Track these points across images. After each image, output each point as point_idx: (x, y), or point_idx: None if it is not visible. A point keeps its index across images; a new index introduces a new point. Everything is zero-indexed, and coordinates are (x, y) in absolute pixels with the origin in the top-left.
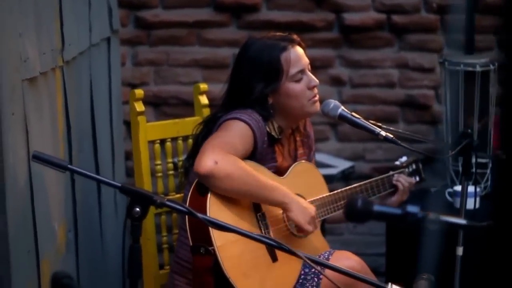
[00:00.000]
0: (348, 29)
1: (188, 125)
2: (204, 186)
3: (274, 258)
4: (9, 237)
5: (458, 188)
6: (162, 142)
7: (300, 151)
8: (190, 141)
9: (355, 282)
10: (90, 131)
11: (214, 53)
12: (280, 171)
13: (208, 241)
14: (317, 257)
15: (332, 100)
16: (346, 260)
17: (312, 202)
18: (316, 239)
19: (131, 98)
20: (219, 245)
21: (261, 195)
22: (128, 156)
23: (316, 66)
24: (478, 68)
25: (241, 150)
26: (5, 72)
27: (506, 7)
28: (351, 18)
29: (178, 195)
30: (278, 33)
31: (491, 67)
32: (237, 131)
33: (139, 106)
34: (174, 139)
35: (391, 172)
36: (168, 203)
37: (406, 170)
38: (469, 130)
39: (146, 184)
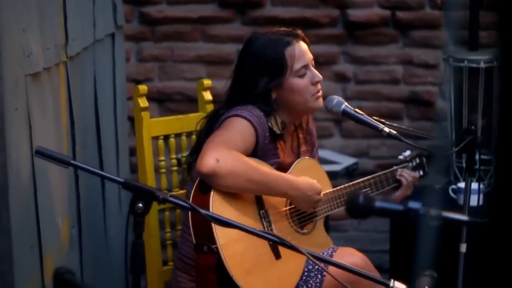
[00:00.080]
0: (352, 25)
1: (191, 121)
2: (206, 184)
3: (278, 256)
4: (12, 233)
5: (462, 185)
6: (166, 138)
7: (303, 148)
8: (194, 137)
9: (359, 278)
10: (94, 127)
11: (218, 49)
12: (282, 168)
13: (211, 239)
14: (321, 253)
15: (336, 96)
16: (350, 256)
17: None
18: (320, 236)
19: (135, 93)
20: (222, 243)
21: (265, 189)
22: (133, 152)
23: (321, 62)
24: (482, 65)
25: (242, 148)
26: (8, 67)
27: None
28: (355, 14)
29: (181, 191)
30: (282, 28)
31: (495, 63)
32: (238, 129)
33: (143, 102)
34: (177, 135)
35: (394, 167)
36: (170, 198)
37: (410, 164)
38: (473, 127)
39: (149, 180)
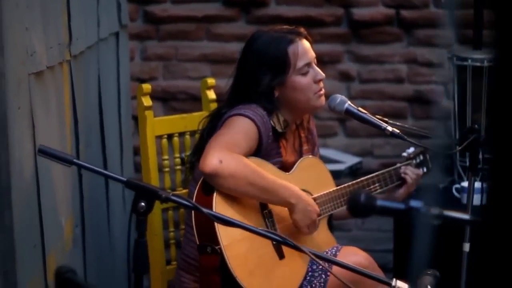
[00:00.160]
0: (356, 24)
1: (195, 120)
2: (210, 185)
3: (281, 256)
4: (15, 232)
5: (465, 184)
6: (170, 137)
7: (305, 147)
8: (197, 136)
9: (363, 278)
10: (98, 126)
11: (222, 48)
12: (285, 166)
13: (215, 240)
14: (324, 253)
15: (339, 95)
16: (354, 256)
17: (318, 197)
18: (324, 235)
19: (139, 92)
20: (225, 244)
21: (267, 195)
22: (137, 151)
23: (325, 61)
24: (486, 64)
25: (246, 147)
26: (11, 66)
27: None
28: (359, 13)
29: (184, 190)
30: (285, 26)
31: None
32: (241, 128)
33: (147, 101)
34: (181, 134)
35: (398, 164)
36: (173, 197)
37: (413, 161)
38: (476, 126)
39: (153, 179)
